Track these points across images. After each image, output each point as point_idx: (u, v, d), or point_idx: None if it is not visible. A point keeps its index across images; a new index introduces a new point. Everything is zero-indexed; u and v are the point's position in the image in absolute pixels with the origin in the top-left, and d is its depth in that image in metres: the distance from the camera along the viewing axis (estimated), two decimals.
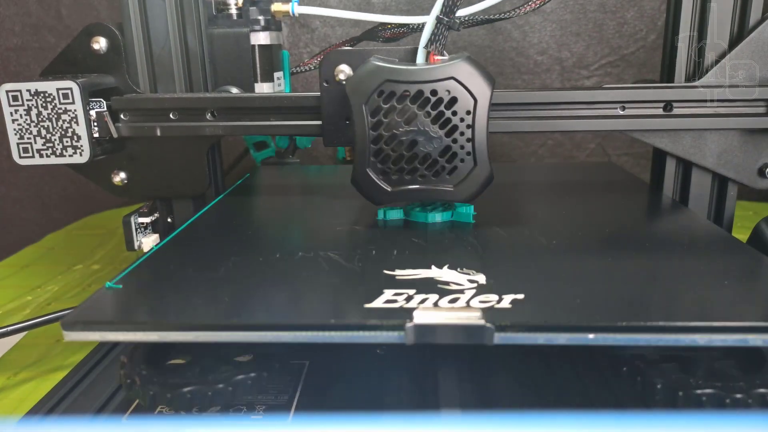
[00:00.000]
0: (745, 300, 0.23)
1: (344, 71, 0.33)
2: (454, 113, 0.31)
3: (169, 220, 0.40)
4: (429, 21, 0.32)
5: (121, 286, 0.25)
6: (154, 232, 0.40)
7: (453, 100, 0.30)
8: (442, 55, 0.32)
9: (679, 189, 0.38)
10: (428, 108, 0.31)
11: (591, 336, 0.21)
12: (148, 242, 0.39)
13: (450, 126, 0.31)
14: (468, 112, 0.31)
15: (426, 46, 0.32)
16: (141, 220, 0.39)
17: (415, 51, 0.33)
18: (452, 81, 0.30)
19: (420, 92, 0.30)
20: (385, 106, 0.31)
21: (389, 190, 0.32)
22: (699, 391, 0.22)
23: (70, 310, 0.36)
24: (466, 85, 0.30)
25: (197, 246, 0.32)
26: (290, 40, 0.70)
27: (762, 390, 0.22)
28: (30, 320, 0.35)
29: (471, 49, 0.70)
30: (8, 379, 0.35)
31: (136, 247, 0.38)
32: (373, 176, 0.32)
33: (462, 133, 0.31)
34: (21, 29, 0.70)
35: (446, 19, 0.31)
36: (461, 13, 0.33)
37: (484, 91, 0.30)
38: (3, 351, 0.38)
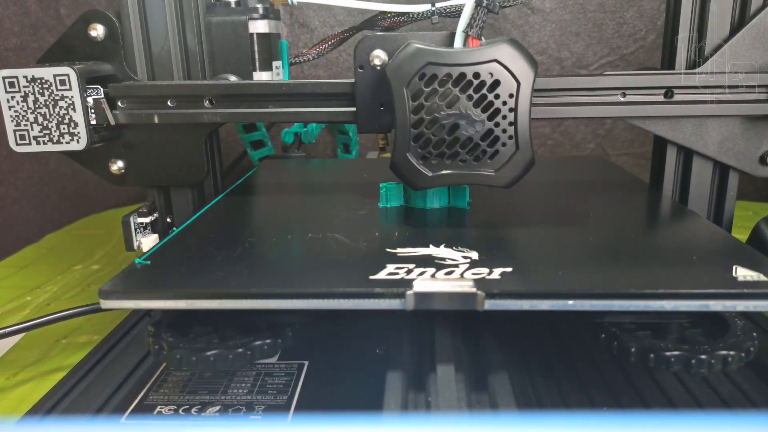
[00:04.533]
0: (710, 273, 0.25)
1: (379, 56, 0.33)
2: (497, 96, 0.30)
3: (168, 219, 0.40)
4: (468, 5, 0.31)
5: (149, 263, 0.27)
6: (154, 232, 0.40)
7: (496, 83, 0.30)
8: (480, 38, 0.32)
9: (679, 184, 0.38)
10: (470, 91, 0.30)
11: (570, 302, 0.23)
12: (148, 242, 0.39)
13: (492, 109, 0.31)
14: (511, 96, 0.30)
15: (465, 30, 0.32)
16: (140, 220, 0.39)
17: (451, 36, 0.32)
18: (495, 63, 0.30)
19: (462, 75, 0.30)
20: (427, 90, 0.30)
21: (429, 174, 0.32)
22: (668, 353, 0.24)
23: (70, 311, 0.36)
24: (509, 67, 0.30)
25: (214, 230, 0.33)
26: (290, 39, 0.70)
27: (723, 352, 0.24)
28: (29, 321, 0.35)
29: None
30: (7, 380, 0.35)
31: (135, 247, 0.38)
32: (413, 161, 0.32)
33: (504, 117, 0.31)
34: (20, 29, 0.70)
35: (485, 1, 0.31)
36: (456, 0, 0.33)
37: (528, 74, 0.30)
38: (2, 351, 0.38)
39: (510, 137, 0.31)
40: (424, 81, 0.30)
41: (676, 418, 0.18)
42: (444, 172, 0.32)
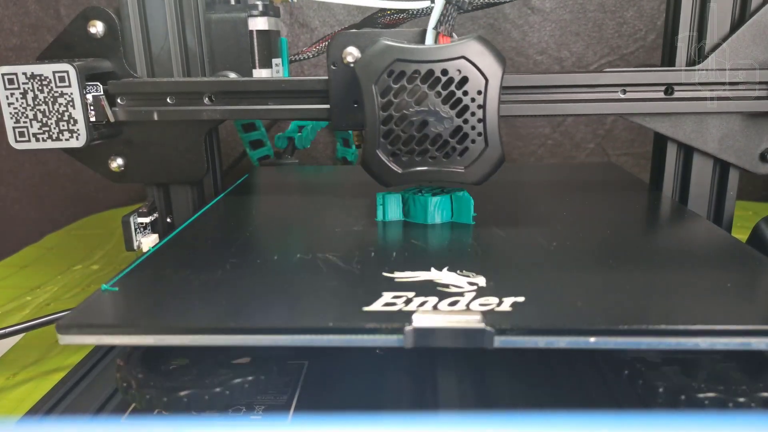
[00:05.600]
0: (746, 302, 0.23)
1: (352, 53, 0.33)
2: (465, 93, 0.30)
3: (168, 219, 0.40)
4: (438, 2, 0.31)
5: (117, 289, 0.25)
6: (154, 232, 0.40)
7: (464, 80, 0.30)
8: (451, 36, 0.32)
9: (680, 183, 0.38)
10: (439, 88, 0.30)
11: (592, 339, 0.21)
12: (148, 242, 0.39)
13: (461, 106, 0.30)
14: (479, 92, 0.30)
15: (435, 27, 0.32)
16: (140, 220, 0.39)
17: (423, 33, 0.32)
18: (463, 60, 0.30)
19: (430, 72, 0.30)
20: (395, 86, 0.30)
21: (399, 171, 0.32)
22: (701, 395, 0.21)
23: (69, 312, 0.36)
24: (477, 64, 0.30)
25: (195, 248, 0.31)
26: (290, 39, 0.70)
27: (765, 393, 0.21)
28: (29, 321, 0.35)
29: None
30: (7, 380, 0.35)
31: (135, 248, 0.38)
32: (383, 158, 0.32)
33: (473, 114, 0.31)
34: (20, 29, 0.70)
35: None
36: None
37: (496, 71, 0.30)
38: (2, 351, 0.38)
39: (479, 134, 0.31)
40: (393, 78, 0.30)
41: (676, 418, 0.18)
42: (414, 169, 0.32)
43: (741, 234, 0.35)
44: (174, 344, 0.22)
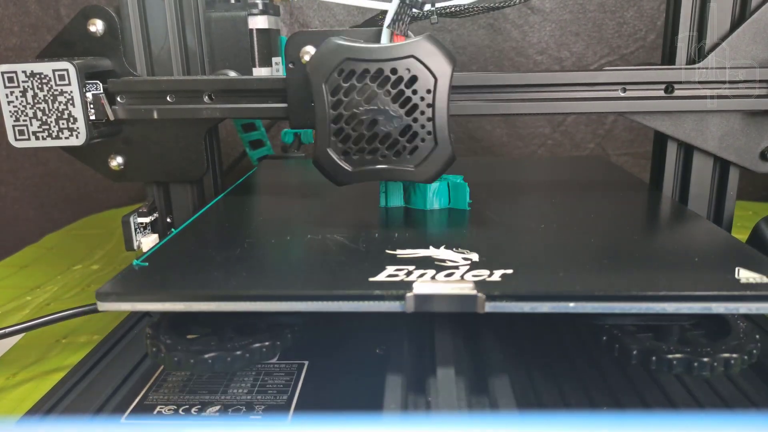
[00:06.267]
0: (712, 275, 0.25)
1: (309, 52, 0.33)
2: (414, 92, 0.30)
3: (168, 219, 0.40)
4: (393, 2, 0.32)
5: (147, 264, 0.27)
6: (154, 231, 0.40)
7: (413, 79, 0.30)
8: (406, 35, 0.32)
9: (680, 183, 0.38)
10: (388, 87, 0.30)
11: (571, 304, 0.23)
12: (148, 242, 0.39)
13: (410, 105, 0.31)
14: (428, 91, 0.30)
15: (389, 26, 0.32)
16: (140, 220, 0.39)
17: (380, 32, 0.33)
18: (412, 59, 0.30)
19: (380, 71, 0.30)
20: (345, 85, 0.31)
21: (350, 170, 0.32)
22: (670, 356, 0.23)
23: (70, 311, 0.36)
24: (426, 63, 0.30)
25: (213, 231, 0.33)
26: None
27: (725, 355, 0.23)
28: (29, 321, 0.35)
29: (471, 49, 0.70)
30: (7, 380, 0.35)
31: (135, 247, 0.38)
32: (334, 156, 0.32)
33: (422, 113, 0.31)
34: (20, 29, 0.70)
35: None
36: (461, 1, 0.34)
37: (445, 70, 0.30)
38: (2, 351, 0.38)
39: (428, 133, 0.31)
40: (343, 76, 0.30)
41: (676, 418, 0.18)
42: (365, 168, 0.32)
43: (741, 234, 0.35)
44: (201, 310, 0.25)
